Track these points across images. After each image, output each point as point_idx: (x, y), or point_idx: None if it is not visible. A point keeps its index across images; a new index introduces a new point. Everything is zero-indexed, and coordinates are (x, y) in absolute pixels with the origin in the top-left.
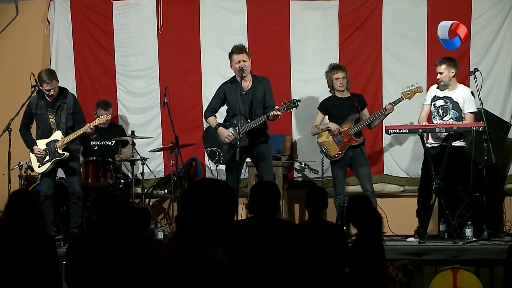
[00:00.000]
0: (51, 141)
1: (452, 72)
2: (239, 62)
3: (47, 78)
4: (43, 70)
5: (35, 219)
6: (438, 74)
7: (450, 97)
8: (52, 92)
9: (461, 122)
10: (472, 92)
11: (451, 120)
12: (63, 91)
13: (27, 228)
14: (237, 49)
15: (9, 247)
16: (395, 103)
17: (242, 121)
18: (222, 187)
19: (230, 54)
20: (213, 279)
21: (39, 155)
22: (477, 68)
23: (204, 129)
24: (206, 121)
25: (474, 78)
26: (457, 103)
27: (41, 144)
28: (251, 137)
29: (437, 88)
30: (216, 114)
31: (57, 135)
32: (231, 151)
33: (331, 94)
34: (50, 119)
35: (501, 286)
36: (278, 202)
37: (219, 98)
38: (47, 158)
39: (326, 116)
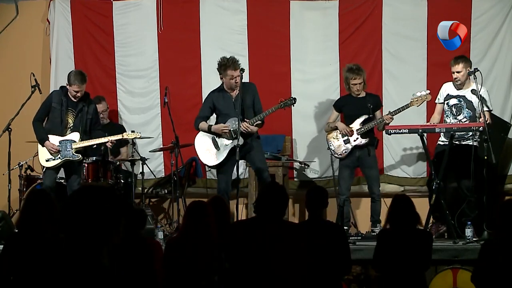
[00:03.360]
0: (66, 140)
1: (468, 70)
2: (235, 78)
3: (79, 82)
4: (75, 72)
5: (52, 220)
6: (455, 73)
7: (464, 96)
8: (79, 94)
9: (461, 122)
10: (487, 90)
11: (465, 119)
12: (87, 95)
13: (44, 229)
14: (233, 65)
15: (27, 248)
16: (398, 111)
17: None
18: (99, 194)
19: (224, 68)
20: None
21: (52, 150)
22: (477, 68)
23: None
24: (197, 128)
25: (474, 78)
26: (471, 102)
27: (54, 140)
28: (242, 137)
29: (453, 86)
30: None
31: (75, 136)
32: (222, 153)
33: (333, 93)
34: (67, 118)
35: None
36: (285, 207)
37: (207, 107)
38: (58, 155)
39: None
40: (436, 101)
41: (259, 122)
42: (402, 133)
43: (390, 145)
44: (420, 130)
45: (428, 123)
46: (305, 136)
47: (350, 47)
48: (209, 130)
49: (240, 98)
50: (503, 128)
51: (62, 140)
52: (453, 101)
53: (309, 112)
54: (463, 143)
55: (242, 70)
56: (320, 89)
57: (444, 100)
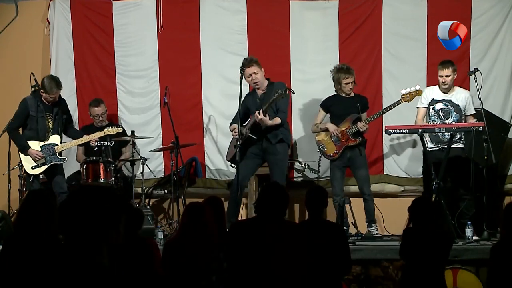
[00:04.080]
0: (48, 144)
1: (455, 75)
2: (250, 75)
3: (56, 88)
4: (48, 79)
5: (51, 220)
6: (444, 77)
7: (450, 100)
8: (56, 98)
9: (461, 123)
10: (471, 96)
11: (454, 122)
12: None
13: (43, 229)
14: (247, 62)
15: (25, 249)
16: (389, 108)
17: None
18: (98, 194)
19: (242, 70)
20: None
21: (38, 158)
22: (477, 68)
23: (204, 129)
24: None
25: (474, 78)
26: (458, 105)
27: (35, 145)
28: (263, 134)
29: (438, 90)
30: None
31: (55, 139)
32: (235, 149)
33: (332, 93)
34: (47, 123)
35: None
36: (286, 207)
37: (241, 108)
38: (43, 160)
39: (328, 115)
40: (419, 105)
41: (278, 118)
42: (402, 133)
43: (390, 145)
44: (420, 130)
45: (426, 124)
46: (305, 136)
47: (350, 47)
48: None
49: (243, 96)
50: (503, 128)
51: (44, 145)
52: (439, 106)
53: (309, 112)
54: (452, 146)
55: (242, 70)
56: (320, 89)
57: (429, 105)
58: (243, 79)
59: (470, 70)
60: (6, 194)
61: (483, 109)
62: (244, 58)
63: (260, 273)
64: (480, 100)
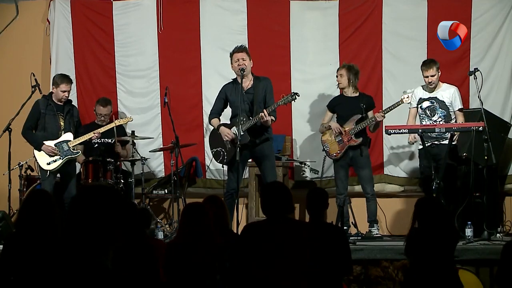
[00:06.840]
0: (61, 141)
1: (439, 72)
2: (238, 60)
3: (67, 81)
4: (59, 74)
5: (53, 220)
6: (429, 77)
7: (436, 97)
8: (66, 94)
9: (461, 122)
10: (457, 88)
11: (440, 119)
12: (69, 99)
13: (45, 229)
14: (237, 49)
15: (26, 248)
16: (389, 109)
17: (244, 119)
18: (108, 195)
19: (231, 55)
20: None
21: (52, 152)
22: (477, 68)
23: (204, 129)
24: (210, 124)
25: (474, 78)
26: (443, 102)
27: (49, 144)
28: (252, 135)
29: (423, 89)
30: (220, 117)
31: (68, 136)
32: (234, 150)
33: (333, 93)
34: (59, 122)
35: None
36: (291, 201)
37: (221, 99)
38: (58, 156)
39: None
40: (410, 106)
41: (272, 118)
42: (402, 133)
43: (390, 145)
44: (420, 130)
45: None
46: (305, 136)
47: (350, 47)
48: (217, 129)
49: (242, 93)
50: (503, 128)
51: (57, 143)
52: (426, 104)
53: (309, 112)
54: (443, 142)
55: (242, 70)
56: (320, 89)
57: (417, 104)
58: (243, 79)
59: (470, 70)
60: (6, 194)
61: (483, 109)
62: (235, 46)
63: (274, 273)
64: (480, 100)
